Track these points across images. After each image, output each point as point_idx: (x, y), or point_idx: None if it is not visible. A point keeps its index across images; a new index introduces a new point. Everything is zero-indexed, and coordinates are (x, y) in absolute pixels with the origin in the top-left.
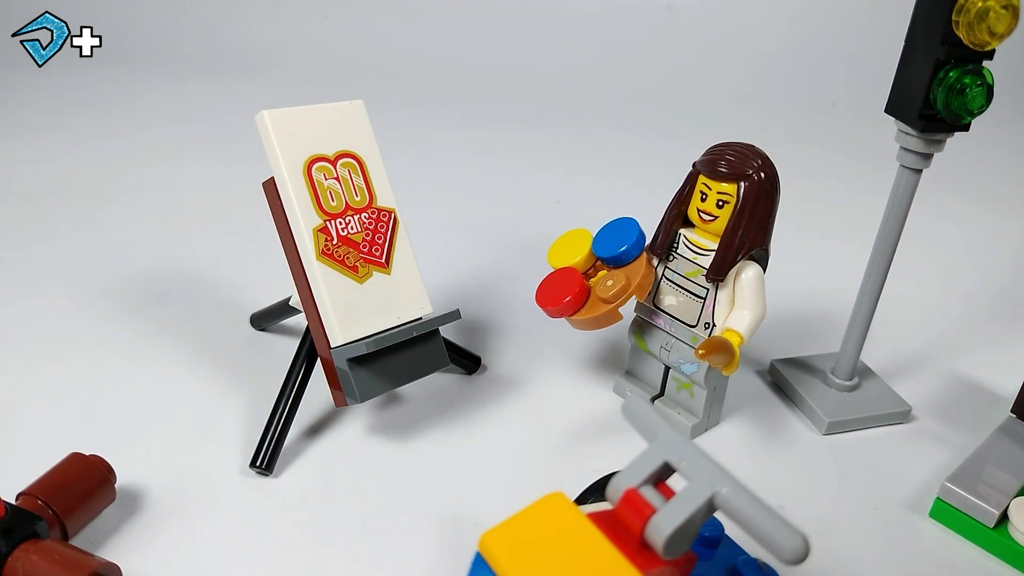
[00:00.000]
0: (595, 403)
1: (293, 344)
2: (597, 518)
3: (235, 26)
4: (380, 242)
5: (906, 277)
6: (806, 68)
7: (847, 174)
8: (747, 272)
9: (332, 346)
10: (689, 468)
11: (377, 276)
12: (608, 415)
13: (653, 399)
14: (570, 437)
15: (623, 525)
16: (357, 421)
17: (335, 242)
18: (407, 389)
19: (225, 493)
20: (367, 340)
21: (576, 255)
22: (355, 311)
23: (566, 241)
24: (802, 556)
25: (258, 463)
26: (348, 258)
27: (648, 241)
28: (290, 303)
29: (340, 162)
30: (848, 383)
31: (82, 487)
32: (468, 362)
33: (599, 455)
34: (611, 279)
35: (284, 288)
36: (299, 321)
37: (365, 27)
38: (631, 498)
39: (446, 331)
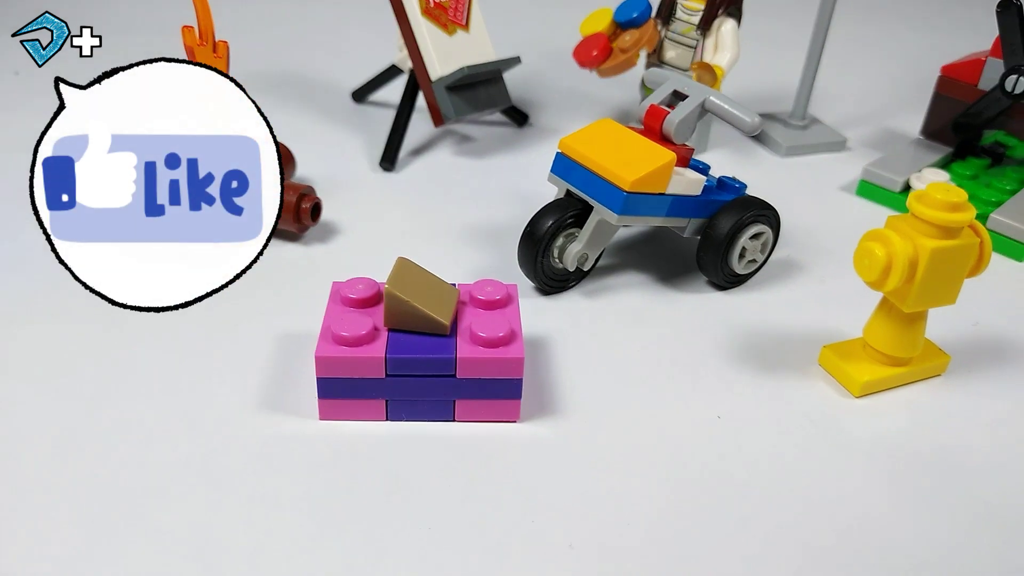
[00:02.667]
0: None
1: (385, 110)
2: (633, 129)
3: None
4: (462, 9)
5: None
6: None
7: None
8: (726, 25)
9: (432, 79)
10: (690, 89)
11: (460, 32)
12: None
13: None
14: None
15: (648, 129)
16: (445, 149)
17: (432, 5)
18: (476, 132)
19: (362, 181)
20: (462, 69)
21: (601, 24)
22: (447, 54)
23: (593, 17)
24: (758, 126)
25: (387, 161)
26: (441, 17)
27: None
28: (394, 63)
29: None
30: (801, 123)
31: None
32: (519, 116)
33: None
34: (628, 35)
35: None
36: (388, 95)
37: None
38: (653, 109)
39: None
